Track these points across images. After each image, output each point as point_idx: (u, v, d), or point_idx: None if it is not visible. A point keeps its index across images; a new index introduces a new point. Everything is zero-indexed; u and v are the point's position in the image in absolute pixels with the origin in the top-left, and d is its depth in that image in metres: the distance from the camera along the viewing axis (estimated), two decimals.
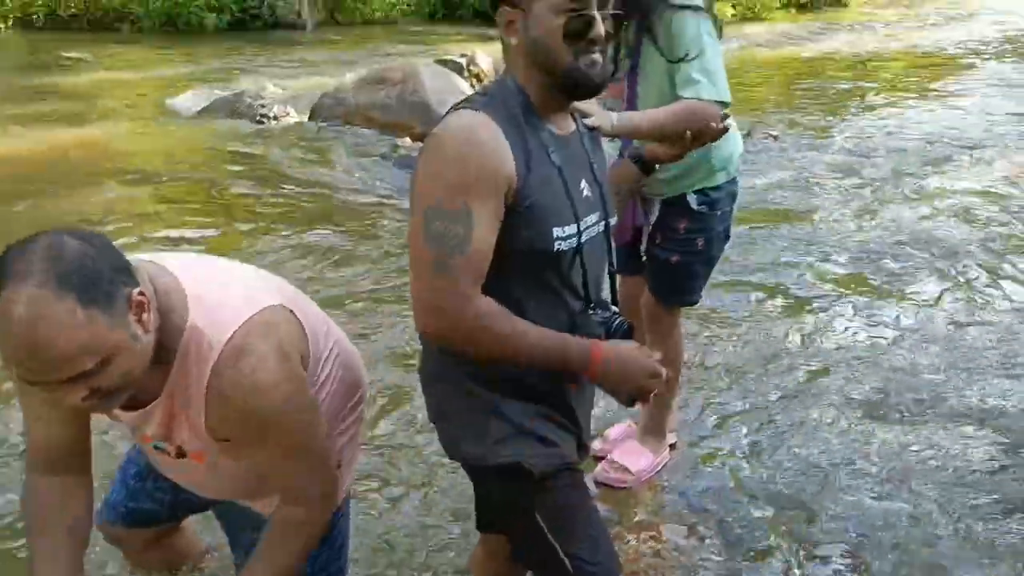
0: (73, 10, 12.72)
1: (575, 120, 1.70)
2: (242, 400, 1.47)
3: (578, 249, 1.60)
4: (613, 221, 1.73)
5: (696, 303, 2.72)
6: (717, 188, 2.47)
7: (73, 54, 10.67)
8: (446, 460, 1.96)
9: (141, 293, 1.38)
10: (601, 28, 1.54)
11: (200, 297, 1.50)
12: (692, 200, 2.45)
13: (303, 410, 1.58)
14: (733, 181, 2.54)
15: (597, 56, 1.55)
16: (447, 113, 1.57)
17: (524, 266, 1.55)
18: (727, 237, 2.61)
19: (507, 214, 1.51)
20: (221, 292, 1.54)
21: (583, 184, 1.63)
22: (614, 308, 1.69)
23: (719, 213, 2.51)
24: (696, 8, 2.24)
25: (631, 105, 2.37)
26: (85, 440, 1.67)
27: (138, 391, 1.46)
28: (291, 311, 1.60)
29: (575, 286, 1.63)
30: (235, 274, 1.69)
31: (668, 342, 2.66)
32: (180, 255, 1.69)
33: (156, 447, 1.65)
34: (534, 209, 1.52)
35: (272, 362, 1.49)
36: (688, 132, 1.90)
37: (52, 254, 1.29)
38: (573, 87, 1.58)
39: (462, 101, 1.59)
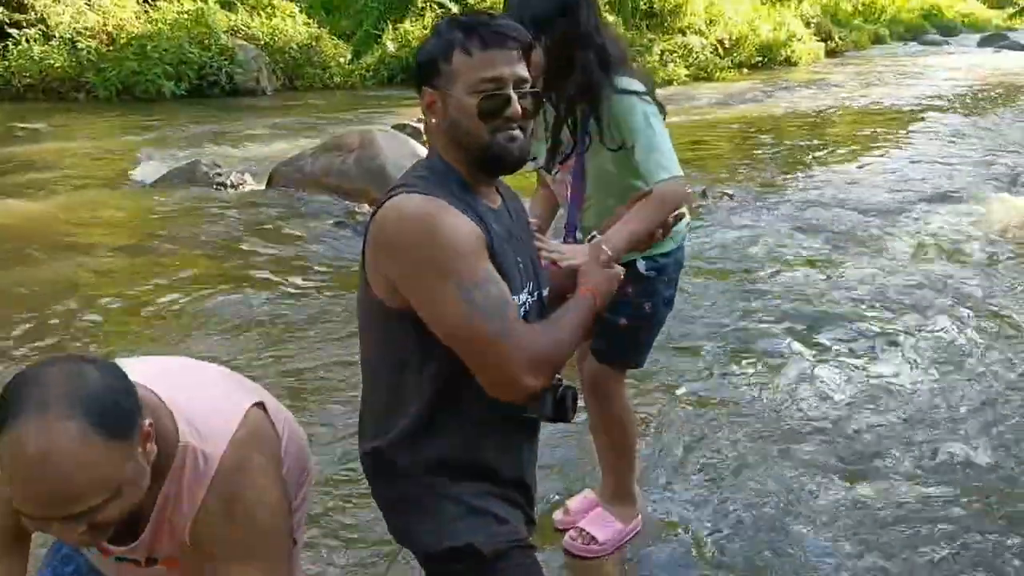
0: (28, 80, 12.66)
1: (500, 193, 1.74)
2: (243, 515, 1.47)
3: (524, 318, 1.64)
4: (545, 292, 1.77)
5: (641, 365, 2.74)
6: (665, 255, 2.50)
7: (27, 124, 10.58)
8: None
9: (151, 424, 1.37)
10: (517, 106, 1.58)
11: (183, 411, 1.49)
12: (641, 266, 2.47)
13: (286, 533, 1.58)
14: (680, 248, 2.57)
15: (516, 132, 1.60)
16: (389, 197, 1.58)
17: None
18: (672, 302, 2.63)
19: None
20: (201, 400, 1.54)
21: (517, 257, 1.68)
22: (557, 375, 1.71)
23: (666, 279, 2.54)
24: (640, 93, 2.28)
25: (577, 180, 2.43)
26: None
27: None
28: (262, 405, 1.61)
29: None
30: (203, 376, 1.70)
31: (616, 406, 2.65)
32: (142, 361, 1.69)
33: (119, 559, 1.59)
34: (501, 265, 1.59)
35: (270, 475, 1.52)
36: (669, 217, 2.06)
37: (74, 384, 1.27)
38: (494, 163, 1.62)
39: (400, 185, 1.59)
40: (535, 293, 1.71)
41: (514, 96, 1.58)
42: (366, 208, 6.74)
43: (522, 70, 1.60)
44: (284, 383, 3.91)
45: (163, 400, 1.49)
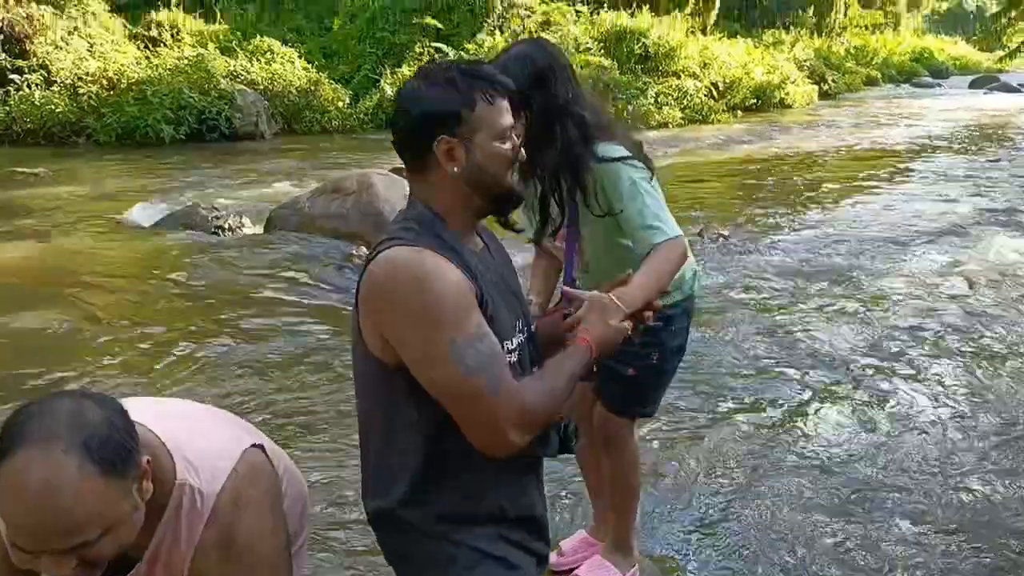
0: (29, 125, 12.77)
1: (479, 236, 1.76)
2: (242, 551, 1.49)
3: (519, 361, 1.65)
4: (533, 326, 1.79)
5: (652, 415, 2.71)
6: (673, 305, 2.48)
7: (27, 169, 10.64)
8: None
9: (148, 461, 1.39)
10: (522, 150, 1.69)
11: (181, 450, 1.50)
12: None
13: (285, 566, 1.59)
14: (689, 299, 2.56)
15: (517, 174, 1.69)
16: (379, 251, 1.57)
17: None
18: (682, 351, 2.61)
19: None
20: (199, 440, 1.55)
21: (504, 298, 1.68)
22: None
23: (673, 329, 2.52)
24: (624, 158, 2.27)
25: (571, 245, 2.46)
26: None
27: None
28: (261, 447, 1.62)
29: None
30: (201, 418, 1.71)
31: (624, 455, 2.64)
32: (141, 401, 1.69)
33: None
34: (491, 324, 1.57)
35: (267, 510, 1.54)
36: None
37: (76, 420, 1.29)
38: (508, 203, 1.71)
39: (390, 239, 1.59)
40: (525, 330, 1.72)
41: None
42: (364, 251, 6.76)
43: None
44: (283, 427, 3.89)
45: (161, 439, 1.50)
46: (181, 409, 1.78)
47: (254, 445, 1.61)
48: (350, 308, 5.24)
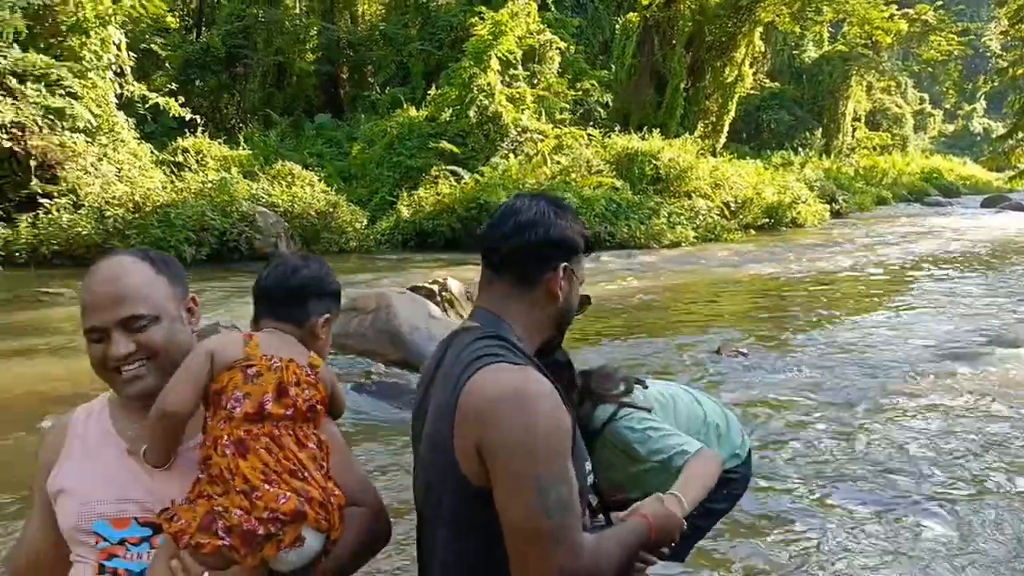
0: (56, 247, 13.06)
1: None
2: None
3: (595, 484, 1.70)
4: None
5: (682, 560, 2.61)
6: (733, 470, 2.43)
7: (51, 290, 10.83)
8: None
9: (194, 299, 1.74)
10: None
11: None
12: None
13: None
14: (746, 463, 2.51)
15: None
16: (479, 367, 1.53)
17: None
18: (722, 514, 2.53)
19: None
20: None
21: None
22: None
23: (725, 492, 2.41)
24: (613, 416, 2.24)
25: None
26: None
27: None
28: None
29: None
30: None
31: None
32: None
33: None
34: (577, 449, 1.57)
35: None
36: None
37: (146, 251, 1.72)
38: (554, 351, 1.72)
39: (486, 356, 1.55)
40: None
41: None
42: (382, 368, 6.78)
43: None
44: None
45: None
46: None
47: None
48: (369, 425, 5.21)
